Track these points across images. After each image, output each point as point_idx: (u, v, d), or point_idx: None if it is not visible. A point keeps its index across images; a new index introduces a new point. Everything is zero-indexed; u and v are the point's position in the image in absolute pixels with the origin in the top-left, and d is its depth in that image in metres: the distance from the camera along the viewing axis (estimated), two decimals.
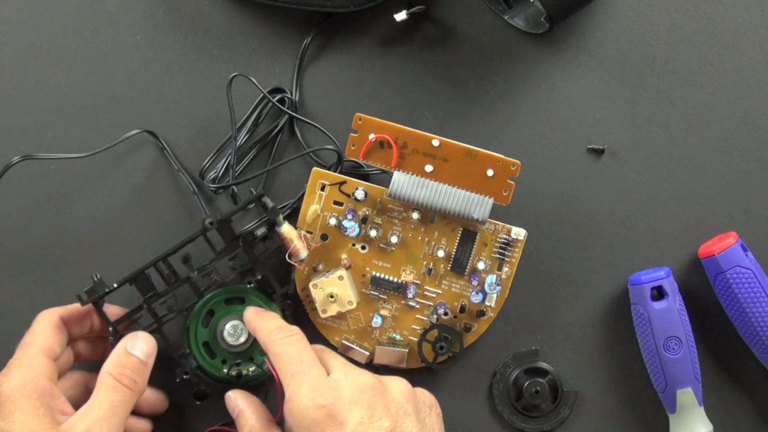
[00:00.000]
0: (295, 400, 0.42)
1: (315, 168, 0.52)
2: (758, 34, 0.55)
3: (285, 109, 0.54)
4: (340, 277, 0.50)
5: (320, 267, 0.52)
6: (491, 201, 0.50)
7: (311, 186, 0.52)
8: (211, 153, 0.54)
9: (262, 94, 0.53)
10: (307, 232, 0.52)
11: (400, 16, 0.53)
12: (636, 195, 0.55)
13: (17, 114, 0.55)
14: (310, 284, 0.51)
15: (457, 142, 0.50)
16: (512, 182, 0.50)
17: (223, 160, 0.54)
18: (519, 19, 0.55)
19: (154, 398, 0.51)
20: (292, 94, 0.55)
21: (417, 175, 0.50)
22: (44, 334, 0.45)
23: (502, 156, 0.50)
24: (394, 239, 0.51)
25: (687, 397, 0.53)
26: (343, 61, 0.55)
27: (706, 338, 0.55)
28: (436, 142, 0.50)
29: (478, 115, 0.55)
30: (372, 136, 0.50)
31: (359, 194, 0.51)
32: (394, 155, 0.50)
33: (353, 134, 0.50)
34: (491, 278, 0.51)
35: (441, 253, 0.51)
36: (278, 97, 0.54)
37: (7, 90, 0.55)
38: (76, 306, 0.48)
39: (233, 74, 0.52)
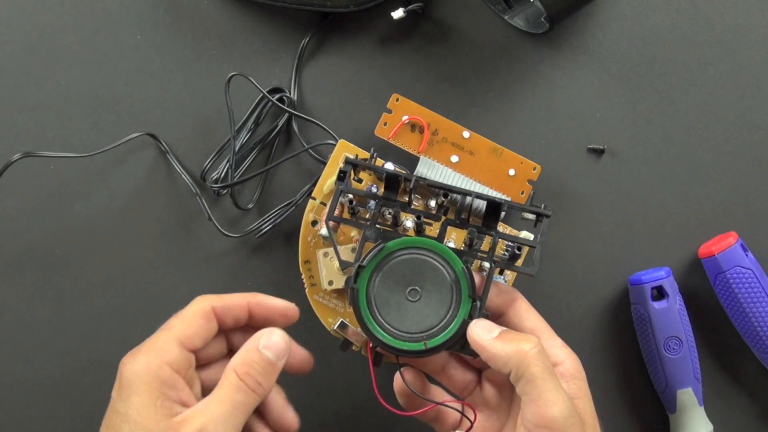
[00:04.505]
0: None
1: (342, 140, 0.51)
2: (758, 34, 0.55)
3: (284, 107, 0.54)
4: (353, 249, 0.49)
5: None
6: (508, 200, 0.50)
7: (335, 157, 0.51)
8: (212, 154, 0.54)
9: (261, 94, 0.53)
10: (321, 203, 0.51)
11: (398, 13, 0.53)
12: (636, 195, 0.55)
13: (17, 114, 0.55)
14: (321, 252, 0.50)
15: (485, 138, 0.51)
16: (530, 185, 0.51)
17: (224, 161, 0.54)
18: (519, 19, 0.55)
19: (301, 357, 0.46)
20: (291, 94, 0.55)
21: (442, 164, 0.51)
22: (188, 321, 0.42)
23: (524, 158, 0.51)
24: (408, 224, 0.50)
25: (687, 397, 0.53)
26: (343, 61, 0.55)
27: (706, 338, 0.55)
28: (466, 134, 0.51)
29: (478, 114, 0.55)
30: (405, 118, 0.51)
31: (389, 165, 0.50)
32: (424, 140, 0.51)
33: (387, 113, 0.51)
34: (497, 279, 0.50)
35: (451, 245, 0.50)
36: (277, 96, 0.54)
37: (7, 90, 0.55)
38: (233, 296, 0.44)
39: (231, 74, 0.52)
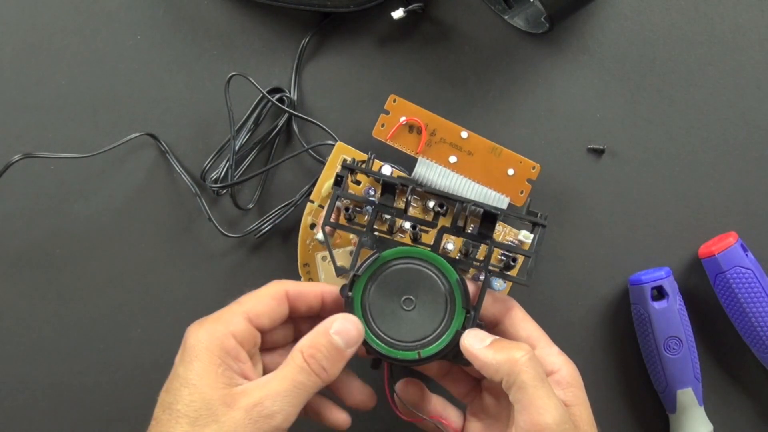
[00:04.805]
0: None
1: (339, 142, 0.51)
2: (758, 34, 0.55)
3: (284, 108, 0.54)
4: (352, 252, 0.49)
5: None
6: (507, 200, 0.50)
7: (333, 159, 0.51)
8: (212, 154, 0.54)
9: (261, 94, 0.53)
10: (319, 206, 0.51)
11: (398, 13, 0.53)
12: (636, 195, 0.55)
13: (17, 114, 0.55)
14: (320, 255, 0.50)
15: (484, 138, 0.51)
16: (529, 184, 0.51)
17: (224, 161, 0.54)
18: (519, 19, 0.55)
19: (360, 391, 0.46)
20: (291, 94, 0.55)
21: (440, 164, 0.51)
22: (259, 300, 0.43)
23: (523, 157, 0.51)
24: (406, 225, 0.50)
25: (687, 397, 0.53)
26: (343, 61, 0.55)
27: (706, 338, 0.55)
28: (464, 134, 0.51)
29: (478, 114, 0.55)
30: (403, 119, 0.51)
31: (386, 169, 0.50)
32: (422, 141, 0.51)
33: (384, 114, 0.51)
34: (495, 282, 0.50)
35: (450, 246, 0.50)
36: (277, 96, 0.54)
37: (7, 90, 0.55)
38: (309, 284, 0.45)
39: (231, 74, 0.52)
